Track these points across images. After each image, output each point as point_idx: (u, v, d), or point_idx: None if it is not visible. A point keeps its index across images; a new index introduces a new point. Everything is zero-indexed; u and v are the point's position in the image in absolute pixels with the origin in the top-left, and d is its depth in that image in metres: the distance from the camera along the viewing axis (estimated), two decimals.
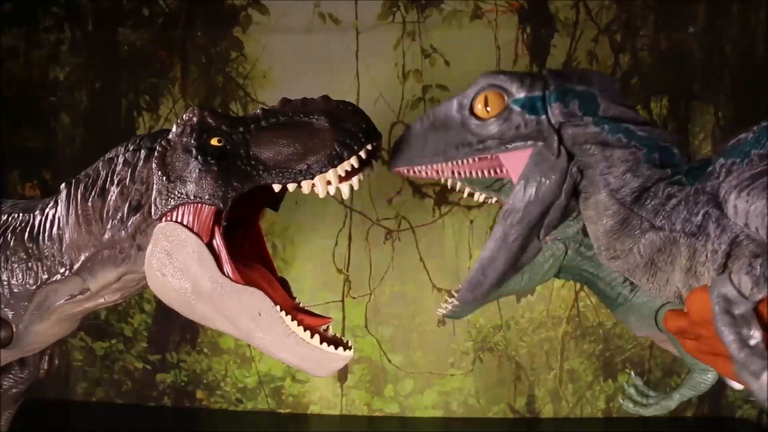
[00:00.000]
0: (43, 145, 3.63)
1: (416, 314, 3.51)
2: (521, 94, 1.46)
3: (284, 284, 1.77)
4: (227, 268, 1.60)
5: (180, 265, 1.59)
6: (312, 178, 1.56)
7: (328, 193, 1.60)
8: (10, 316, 1.80)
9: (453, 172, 1.55)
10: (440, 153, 1.53)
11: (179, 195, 1.59)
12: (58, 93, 3.63)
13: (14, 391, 2.13)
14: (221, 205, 1.57)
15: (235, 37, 3.54)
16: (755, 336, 1.19)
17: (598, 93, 1.46)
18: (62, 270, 1.75)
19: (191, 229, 1.58)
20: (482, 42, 3.44)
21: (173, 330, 3.60)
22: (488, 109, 1.48)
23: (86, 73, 3.62)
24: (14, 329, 1.81)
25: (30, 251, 1.78)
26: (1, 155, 3.58)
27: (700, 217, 1.35)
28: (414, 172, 1.58)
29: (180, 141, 1.63)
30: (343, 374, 3.55)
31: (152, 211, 1.62)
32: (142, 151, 1.69)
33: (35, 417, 3.36)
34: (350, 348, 1.62)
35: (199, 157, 1.58)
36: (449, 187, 2.34)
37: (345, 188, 1.59)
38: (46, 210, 1.81)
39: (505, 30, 3.44)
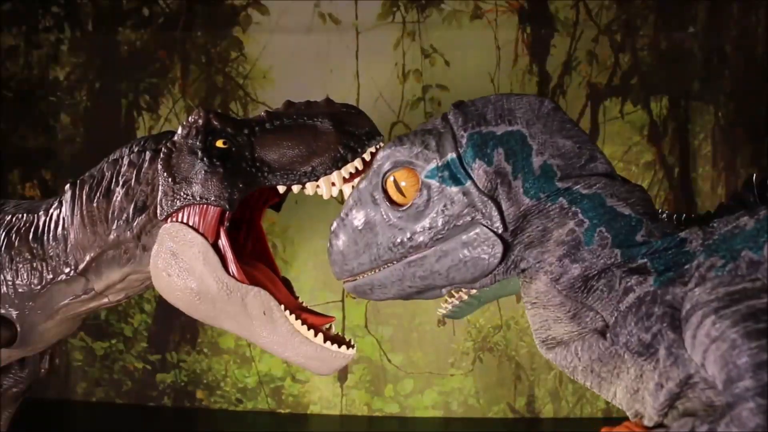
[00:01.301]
0: (43, 145, 3.63)
1: (416, 314, 3.51)
2: (431, 165, 1.20)
3: (287, 284, 1.78)
4: (232, 268, 1.60)
5: (185, 265, 1.59)
6: (316, 180, 1.58)
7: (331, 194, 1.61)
8: (14, 316, 1.80)
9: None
10: (378, 259, 1.31)
11: (185, 196, 1.60)
12: (58, 93, 3.63)
13: (14, 390, 2.12)
14: (227, 206, 1.58)
15: (235, 37, 3.54)
16: None
17: (526, 128, 1.19)
18: (67, 270, 1.76)
19: (197, 230, 1.59)
20: (482, 42, 3.44)
21: (173, 330, 3.60)
22: (403, 195, 1.25)
23: (86, 73, 3.62)
24: (18, 329, 1.81)
25: (34, 251, 1.79)
26: (1, 155, 3.58)
27: (649, 336, 1.07)
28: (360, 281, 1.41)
29: (186, 143, 1.64)
30: (343, 374, 3.54)
31: (158, 211, 1.63)
32: (147, 153, 1.70)
33: (35, 417, 3.36)
34: (353, 346, 1.63)
35: (204, 158, 1.59)
36: None
37: (348, 190, 1.59)
38: (51, 210, 1.82)
39: (505, 30, 3.44)
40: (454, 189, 1.18)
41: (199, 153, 1.60)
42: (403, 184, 1.24)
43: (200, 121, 1.65)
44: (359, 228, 1.34)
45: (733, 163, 3.43)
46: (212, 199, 1.58)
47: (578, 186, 1.14)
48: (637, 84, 3.45)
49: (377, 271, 1.32)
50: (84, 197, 1.74)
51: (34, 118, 3.63)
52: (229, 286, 1.58)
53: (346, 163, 1.55)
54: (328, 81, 3.45)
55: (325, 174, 1.56)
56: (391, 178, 1.26)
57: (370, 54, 3.46)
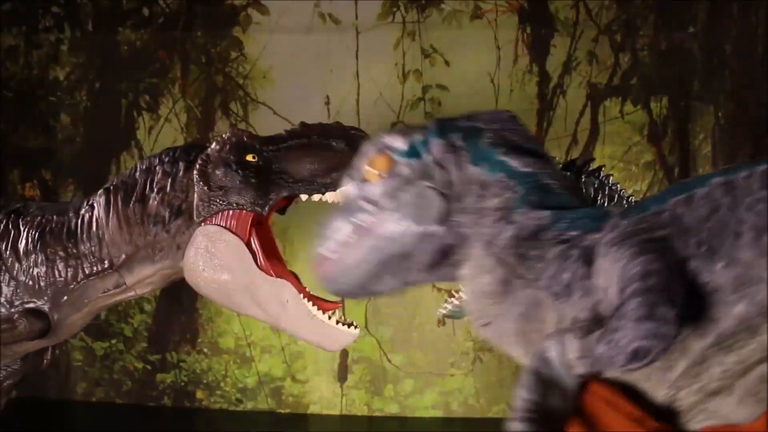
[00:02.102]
0: (43, 145, 3.63)
1: (416, 314, 3.51)
2: (404, 146, 1.33)
3: (296, 277, 2.01)
4: (262, 263, 1.89)
5: (220, 261, 1.86)
6: (335, 191, 1.85)
7: None
8: (47, 309, 1.99)
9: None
10: (341, 231, 1.41)
11: (221, 202, 1.87)
12: (58, 93, 3.63)
13: (8, 382, 2.19)
14: (261, 211, 1.88)
15: (235, 37, 3.54)
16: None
17: (483, 125, 1.32)
18: (102, 267, 1.97)
19: (233, 231, 1.86)
20: (482, 42, 3.44)
21: (173, 330, 3.60)
22: (378, 171, 1.36)
23: (86, 73, 3.62)
24: (51, 321, 2.00)
25: (68, 250, 1.98)
26: (1, 155, 3.58)
27: (568, 275, 1.16)
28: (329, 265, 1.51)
29: (220, 156, 1.90)
30: (343, 374, 3.55)
31: (194, 215, 1.89)
32: (181, 163, 1.93)
33: (35, 417, 3.36)
34: (357, 327, 1.93)
35: (239, 170, 1.87)
36: None
37: None
38: (81, 213, 2.01)
39: (505, 30, 3.44)
40: (416, 161, 1.31)
41: (233, 165, 1.88)
42: (377, 165, 1.36)
43: (234, 139, 1.92)
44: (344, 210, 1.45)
45: (733, 163, 3.43)
46: (247, 205, 1.87)
47: (517, 162, 1.26)
48: (637, 84, 3.45)
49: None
50: (120, 202, 1.95)
51: (34, 118, 3.63)
52: (260, 279, 1.87)
53: None
54: (328, 81, 3.45)
55: (343, 185, 1.80)
56: (367, 161, 1.38)
57: (370, 54, 3.46)
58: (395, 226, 1.31)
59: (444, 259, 1.32)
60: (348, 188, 1.45)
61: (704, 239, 1.08)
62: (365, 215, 1.34)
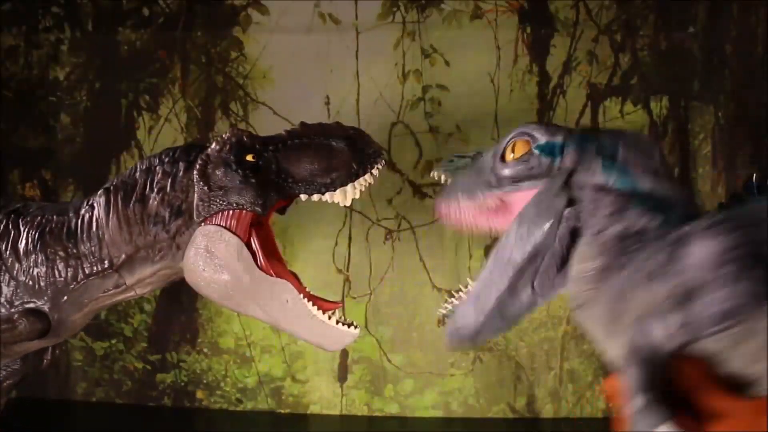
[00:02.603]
0: (43, 145, 3.63)
1: (416, 314, 3.51)
2: (543, 140, 1.47)
3: (295, 277, 2.03)
4: (262, 263, 1.90)
5: (220, 261, 1.87)
6: (335, 191, 1.90)
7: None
8: (47, 309, 2.00)
9: (473, 210, 1.58)
10: (467, 191, 1.58)
11: (221, 202, 1.88)
12: (58, 93, 3.63)
13: (8, 382, 2.21)
14: (261, 211, 1.89)
15: (235, 37, 3.54)
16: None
17: (622, 143, 1.42)
18: (102, 267, 1.98)
19: (233, 231, 1.87)
20: (482, 42, 3.44)
21: (173, 330, 3.60)
22: (513, 154, 1.51)
23: (86, 73, 3.62)
24: (51, 321, 2.01)
25: (69, 250, 1.99)
26: (1, 155, 3.58)
27: (663, 255, 1.25)
28: (447, 210, 1.63)
29: (220, 156, 1.91)
30: (343, 374, 3.55)
31: (194, 215, 1.90)
32: (181, 164, 1.95)
33: (35, 417, 3.36)
34: (357, 327, 1.96)
35: (238, 170, 1.88)
36: None
37: (356, 195, 1.94)
38: (81, 213, 2.02)
39: (505, 30, 3.44)
40: (547, 160, 1.45)
41: (233, 165, 1.89)
42: (516, 149, 1.50)
43: (233, 138, 1.93)
44: (474, 169, 1.59)
45: (733, 163, 3.43)
46: (247, 205, 1.88)
47: (642, 181, 1.37)
48: (637, 84, 3.45)
49: (461, 203, 1.57)
50: (120, 202, 1.96)
51: (34, 118, 3.63)
52: (260, 279, 1.89)
53: (359, 177, 1.90)
54: (328, 81, 3.45)
55: (343, 186, 1.90)
56: (512, 142, 1.51)
57: (370, 54, 3.46)
58: (527, 230, 1.42)
59: (571, 243, 1.41)
60: (485, 157, 1.58)
61: None
62: (488, 191, 1.51)
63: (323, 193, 1.91)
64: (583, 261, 1.37)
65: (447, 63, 3.45)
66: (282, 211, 2.08)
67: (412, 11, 3.46)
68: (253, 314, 1.96)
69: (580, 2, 3.44)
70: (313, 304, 1.92)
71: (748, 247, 1.16)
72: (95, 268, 1.98)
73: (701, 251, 1.20)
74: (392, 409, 3.55)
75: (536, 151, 1.47)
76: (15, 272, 2.01)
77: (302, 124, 1.98)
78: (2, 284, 2.01)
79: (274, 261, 1.98)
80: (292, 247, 3.46)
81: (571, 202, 1.40)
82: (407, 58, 3.47)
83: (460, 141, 3.43)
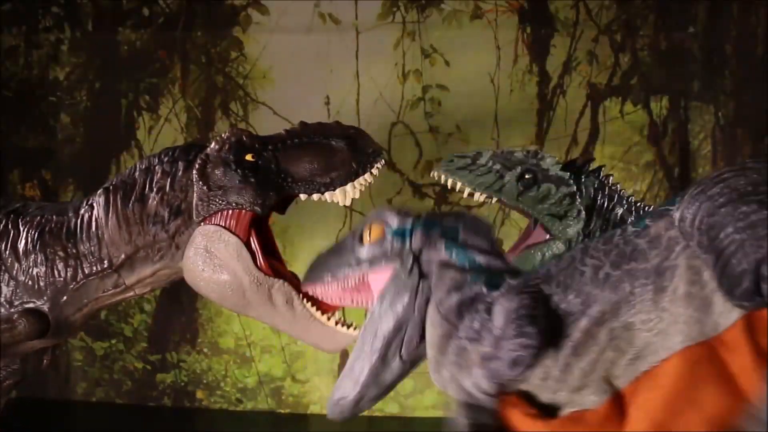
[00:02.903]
0: (43, 145, 3.64)
1: None
2: (395, 225, 1.63)
3: (295, 277, 1.99)
4: (261, 263, 1.88)
5: (219, 261, 1.85)
6: (334, 190, 1.89)
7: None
8: (47, 309, 1.99)
9: (337, 288, 1.71)
10: (330, 272, 1.70)
11: (220, 202, 1.87)
12: (58, 93, 3.63)
13: (8, 382, 2.20)
14: (260, 211, 1.88)
15: (235, 37, 3.54)
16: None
17: (462, 227, 1.61)
18: (101, 267, 1.97)
19: (232, 231, 1.86)
20: (482, 42, 3.44)
21: (173, 330, 3.60)
22: (370, 237, 1.64)
23: (86, 73, 3.62)
24: (51, 321, 1.99)
25: (68, 250, 1.98)
26: (1, 155, 3.58)
27: (477, 323, 1.47)
28: (314, 289, 1.76)
29: (219, 156, 1.90)
30: None
31: (193, 215, 1.89)
32: (180, 163, 1.93)
33: (35, 417, 3.36)
34: (356, 328, 1.90)
35: (238, 170, 1.87)
36: (449, 187, 2.35)
37: (356, 195, 1.94)
38: (81, 212, 2.01)
39: (505, 30, 3.44)
40: (398, 243, 1.61)
41: (233, 165, 1.87)
42: (372, 232, 1.64)
43: (233, 138, 1.91)
44: (335, 250, 1.72)
45: (733, 163, 3.42)
46: (246, 204, 1.86)
47: (479, 257, 1.57)
48: (637, 84, 3.45)
49: (326, 283, 1.71)
50: (119, 202, 1.95)
51: (34, 118, 3.63)
52: (259, 279, 1.86)
53: (358, 176, 1.89)
54: (328, 81, 3.45)
55: (342, 185, 1.89)
56: (368, 226, 1.65)
57: (370, 54, 3.46)
58: (385, 312, 1.59)
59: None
60: (347, 238, 1.72)
61: (561, 281, 1.47)
62: (349, 271, 1.66)
63: (323, 193, 1.90)
64: (432, 327, 1.54)
65: (447, 63, 3.45)
66: (282, 210, 2.06)
67: (412, 11, 3.46)
68: (253, 315, 1.95)
69: (580, 2, 3.44)
70: (312, 305, 1.90)
71: (527, 306, 1.42)
72: (95, 268, 1.98)
73: (499, 313, 1.43)
74: (392, 409, 3.54)
75: (389, 236, 1.62)
76: (14, 272, 2.00)
77: (302, 123, 1.97)
78: (2, 284, 2.00)
79: (273, 261, 1.97)
80: (292, 247, 3.46)
81: (423, 277, 1.57)
82: (407, 58, 3.47)
83: (460, 141, 3.43)
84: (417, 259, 1.58)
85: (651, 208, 1.55)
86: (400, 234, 1.62)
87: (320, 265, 1.73)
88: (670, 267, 1.38)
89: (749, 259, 1.23)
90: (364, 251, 1.64)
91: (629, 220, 1.56)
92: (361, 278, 1.66)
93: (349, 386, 1.66)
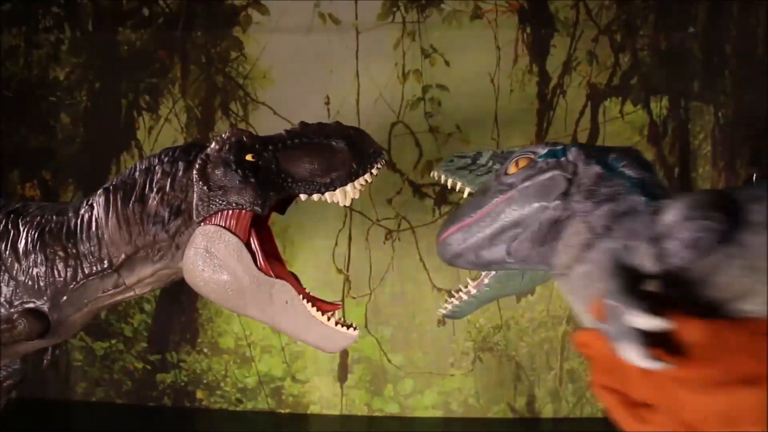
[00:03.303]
0: (43, 145, 3.64)
1: (416, 314, 3.51)
2: (544, 150, 1.62)
3: (295, 277, 2.02)
4: (261, 263, 1.89)
5: (220, 261, 1.87)
6: (334, 190, 1.89)
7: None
8: (46, 309, 2.00)
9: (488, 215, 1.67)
10: (476, 207, 1.67)
11: (221, 202, 1.87)
12: (58, 93, 3.63)
13: (8, 382, 2.21)
14: (260, 211, 1.88)
15: (235, 37, 3.54)
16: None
17: (615, 152, 1.59)
18: (101, 267, 1.98)
19: (232, 231, 1.87)
20: (482, 42, 3.44)
21: (173, 330, 3.60)
22: (518, 167, 1.63)
23: (86, 73, 3.62)
24: (51, 321, 2.00)
25: (68, 250, 1.99)
26: (1, 155, 3.58)
27: (641, 224, 1.42)
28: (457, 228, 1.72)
29: (219, 156, 1.90)
30: (343, 374, 3.55)
31: (194, 215, 1.89)
32: (181, 163, 1.94)
33: (35, 417, 3.36)
34: (356, 328, 1.94)
35: (238, 170, 1.87)
36: (449, 187, 2.35)
37: (356, 195, 1.94)
38: (81, 212, 2.01)
39: (505, 30, 3.44)
40: (553, 160, 1.59)
41: (233, 165, 1.88)
42: (520, 163, 1.63)
43: (233, 138, 1.92)
44: (479, 191, 1.72)
45: (733, 163, 3.43)
46: (246, 205, 1.87)
47: (632, 172, 1.54)
48: (637, 84, 3.45)
49: (471, 216, 1.67)
50: (119, 202, 1.96)
51: (34, 118, 3.63)
52: (259, 280, 1.88)
53: (358, 176, 1.90)
54: (328, 81, 3.46)
55: (342, 185, 1.89)
56: (515, 160, 1.64)
57: (370, 54, 3.46)
58: (519, 201, 1.57)
59: (549, 231, 1.56)
60: (486, 181, 1.72)
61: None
62: (498, 195, 1.62)
63: (323, 193, 1.91)
64: (570, 236, 1.51)
65: (447, 63, 3.45)
66: (282, 210, 2.07)
67: (412, 11, 3.46)
68: (252, 315, 1.95)
69: (580, 2, 3.44)
70: (312, 305, 1.91)
71: (712, 200, 1.33)
72: (95, 268, 1.98)
73: (672, 212, 1.35)
74: (392, 409, 3.55)
75: (539, 160, 1.61)
76: (14, 272, 2.00)
77: (302, 123, 1.97)
78: (2, 284, 2.00)
79: (273, 261, 1.98)
80: (292, 247, 3.46)
81: (565, 195, 1.54)
82: (407, 58, 3.47)
83: (460, 141, 3.43)
84: (575, 171, 1.56)
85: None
86: (552, 154, 1.60)
87: (461, 208, 1.71)
88: None
89: None
90: (515, 176, 1.61)
91: None
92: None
93: (459, 240, 1.67)
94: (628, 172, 1.55)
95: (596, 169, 1.55)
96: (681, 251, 1.32)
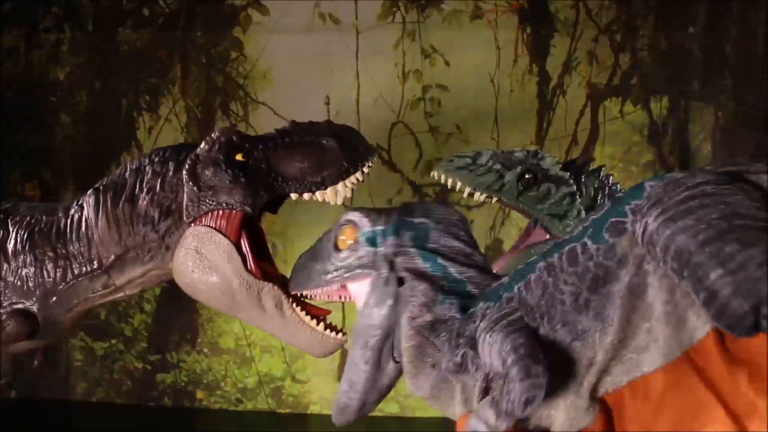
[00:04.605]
0: (43, 145, 3.64)
1: None
2: (366, 228, 1.64)
3: (286, 280, 1.97)
4: (251, 265, 1.86)
5: (209, 262, 1.84)
6: (325, 189, 1.87)
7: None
8: (35, 310, 1.98)
9: (322, 297, 1.77)
10: (312, 280, 1.74)
11: (210, 202, 1.85)
12: (58, 93, 3.63)
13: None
14: (250, 211, 1.85)
15: (235, 37, 3.54)
16: None
17: (433, 225, 1.64)
18: (91, 268, 1.96)
19: (222, 232, 1.84)
20: (482, 42, 3.44)
21: (173, 330, 3.60)
22: (345, 240, 1.67)
23: (86, 73, 3.62)
24: (40, 322, 1.98)
25: (58, 250, 1.97)
26: (1, 155, 3.58)
27: (459, 358, 1.55)
28: (304, 294, 1.81)
29: (209, 156, 1.88)
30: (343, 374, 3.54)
31: (184, 215, 1.87)
32: (171, 163, 1.91)
33: (35, 417, 3.36)
34: (345, 333, 1.92)
35: (228, 170, 1.85)
36: (449, 187, 2.35)
37: (348, 193, 1.92)
38: (71, 213, 1.99)
39: (505, 30, 3.44)
40: (371, 249, 1.63)
41: (223, 165, 1.85)
42: (346, 236, 1.66)
43: (223, 138, 1.89)
44: (314, 254, 1.76)
45: (733, 163, 3.43)
46: (237, 205, 1.84)
47: (452, 268, 1.62)
48: (637, 84, 3.45)
49: (311, 290, 1.76)
50: (109, 202, 1.93)
51: (34, 118, 3.63)
52: (249, 282, 1.84)
53: (349, 175, 1.87)
54: (328, 81, 3.46)
55: (333, 184, 1.87)
56: (342, 229, 1.67)
57: (370, 54, 3.46)
58: (362, 315, 1.64)
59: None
60: (323, 240, 1.74)
61: (544, 312, 1.50)
62: (328, 276, 1.68)
63: (314, 192, 1.88)
64: (405, 339, 1.59)
65: (447, 63, 3.45)
66: (274, 210, 2.05)
67: (412, 11, 3.46)
68: (242, 317, 1.93)
69: (580, 2, 3.44)
70: (302, 309, 1.88)
71: (523, 344, 1.45)
72: (84, 268, 1.96)
73: (491, 353, 1.47)
74: (392, 409, 3.54)
75: (362, 240, 1.64)
76: (3, 273, 1.98)
77: (292, 122, 1.95)
78: None
79: (264, 263, 1.95)
80: (291, 247, 3.45)
81: (401, 281, 1.60)
82: (407, 58, 3.47)
83: (460, 141, 3.43)
84: (392, 265, 1.61)
85: (597, 211, 1.55)
86: (371, 240, 1.63)
87: (302, 271, 1.76)
88: (641, 285, 1.43)
89: (748, 302, 1.26)
90: (340, 258, 1.66)
91: (578, 226, 1.52)
92: (342, 285, 1.69)
93: (349, 395, 1.68)
94: (443, 262, 1.61)
95: (418, 264, 1.60)
96: (518, 411, 1.43)
